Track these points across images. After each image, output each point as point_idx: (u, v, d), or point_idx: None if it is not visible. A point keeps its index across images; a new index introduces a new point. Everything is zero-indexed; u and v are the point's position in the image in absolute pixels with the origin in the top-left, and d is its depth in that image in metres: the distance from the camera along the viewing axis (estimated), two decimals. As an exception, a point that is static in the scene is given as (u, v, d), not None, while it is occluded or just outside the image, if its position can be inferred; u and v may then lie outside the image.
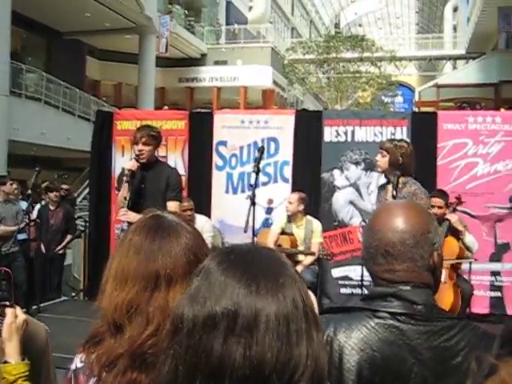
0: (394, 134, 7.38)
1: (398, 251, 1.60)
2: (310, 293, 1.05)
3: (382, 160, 4.98)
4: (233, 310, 0.91)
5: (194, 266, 1.38)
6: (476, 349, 1.48)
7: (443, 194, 6.24)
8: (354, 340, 1.54)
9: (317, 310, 1.15)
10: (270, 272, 0.96)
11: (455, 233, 6.09)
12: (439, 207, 6.05)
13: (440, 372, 1.50)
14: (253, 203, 5.42)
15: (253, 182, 5.72)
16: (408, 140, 6.57)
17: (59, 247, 9.15)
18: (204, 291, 0.95)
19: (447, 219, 6.06)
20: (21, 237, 7.94)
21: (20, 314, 1.94)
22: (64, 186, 11.10)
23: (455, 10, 49.79)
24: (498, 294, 7.28)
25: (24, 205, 8.23)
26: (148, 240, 1.44)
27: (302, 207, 6.93)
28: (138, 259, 1.43)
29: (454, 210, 6.34)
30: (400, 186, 4.79)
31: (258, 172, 5.61)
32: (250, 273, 0.95)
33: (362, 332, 1.55)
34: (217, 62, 35.07)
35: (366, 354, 1.52)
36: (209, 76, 35.03)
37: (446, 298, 5.69)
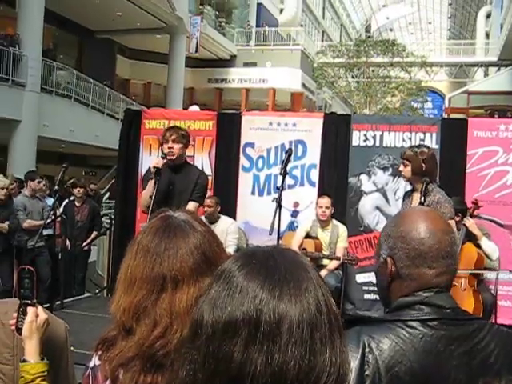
0: (423, 140, 7.30)
1: (447, 253, 1.62)
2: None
3: (406, 170, 4.96)
4: (255, 316, 0.89)
5: (202, 264, 1.37)
6: (505, 348, 1.52)
7: (459, 203, 6.12)
8: (390, 352, 1.51)
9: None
10: (293, 277, 0.93)
11: (473, 239, 6.01)
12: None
13: (475, 375, 1.50)
14: (279, 206, 5.39)
15: (279, 184, 5.68)
16: (434, 145, 6.50)
17: (84, 244, 9.21)
18: (225, 296, 0.93)
19: (464, 225, 5.99)
20: (47, 232, 8.01)
21: (41, 313, 1.94)
22: (92, 186, 11.21)
23: (488, 16, 49.33)
24: (525, 305, 7.15)
25: (51, 201, 8.29)
26: (155, 242, 1.43)
27: (332, 211, 6.93)
28: (144, 262, 1.42)
29: (472, 216, 6.24)
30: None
31: (285, 175, 5.58)
32: (273, 278, 0.92)
33: (398, 344, 1.52)
34: (246, 64, 35.12)
35: (404, 366, 1.50)
36: (238, 77, 35.11)
37: (465, 304, 5.60)
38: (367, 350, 1.52)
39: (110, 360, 1.40)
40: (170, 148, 5.26)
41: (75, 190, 9.26)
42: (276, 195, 5.55)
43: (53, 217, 7.20)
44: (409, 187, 5.80)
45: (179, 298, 1.37)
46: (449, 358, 1.51)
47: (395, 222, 1.75)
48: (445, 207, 4.66)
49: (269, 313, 0.89)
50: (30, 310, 1.92)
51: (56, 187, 7.14)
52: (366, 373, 1.49)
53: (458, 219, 5.76)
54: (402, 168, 5.03)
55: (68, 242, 8.78)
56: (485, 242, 6.05)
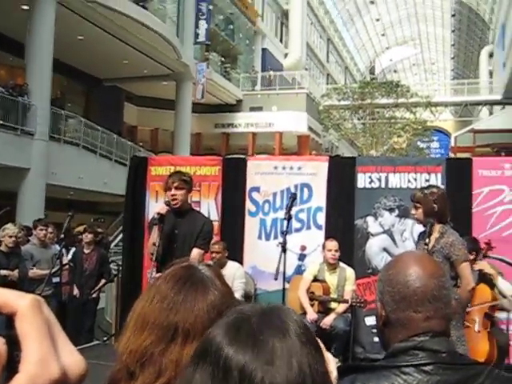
0: (428, 181, 7.31)
1: (434, 296, 1.59)
2: (328, 355, 0.98)
3: (418, 212, 4.93)
4: None
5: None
6: None
7: (472, 242, 6.08)
8: None
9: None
10: None
11: (487, 280, 5.94)
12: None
13: None
14: (284, 250, 5.38)
15: (285, 228, 5.69)
16: (439, 185, 6.50)
17: (93, 291, 9.16)
18: None
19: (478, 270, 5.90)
20: (54, 280, 7.98)
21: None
22: (98, 230, 11.19)
23: (491, 55, 49.81)
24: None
25: (58, 249, 8.30)
26: (174, 290, 1.41)
27: (339, 254, 6.92)
28: (160, 308, 1.40)
29: (485, 257, 6.19)
30: (437, 235, 4.72)
31: (289, 219, 5.59)
32: None
33: None
34: (252, 108, 35.38)
35: None
36: (244, 122, 35.33)
37: (480, 347, 5.52)
38: None
39: None
40: (173, 195, 5.27)
41: (84, 235, 9.26)
42: (281, 239, 5.55)
43: (59, 265, 7.18)
44: (416, 228, 5.79)
45: (187, 353, 1.32)
46: None
47: (386, 266, 1.75)
48: (458, 249, 4.62)
49: None
50: None
51: (62, 235, 7.15)
52: None
53: (471, 257, 5.70)
54: (413, 211, 5.00)
55: (76, 290, 8.76)
56: (501, 281, 5.99)
